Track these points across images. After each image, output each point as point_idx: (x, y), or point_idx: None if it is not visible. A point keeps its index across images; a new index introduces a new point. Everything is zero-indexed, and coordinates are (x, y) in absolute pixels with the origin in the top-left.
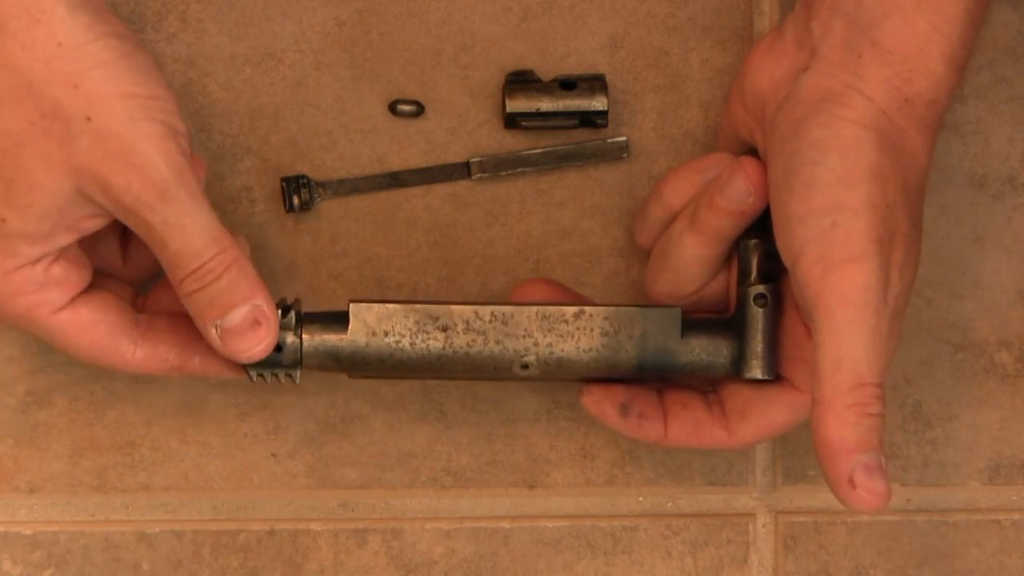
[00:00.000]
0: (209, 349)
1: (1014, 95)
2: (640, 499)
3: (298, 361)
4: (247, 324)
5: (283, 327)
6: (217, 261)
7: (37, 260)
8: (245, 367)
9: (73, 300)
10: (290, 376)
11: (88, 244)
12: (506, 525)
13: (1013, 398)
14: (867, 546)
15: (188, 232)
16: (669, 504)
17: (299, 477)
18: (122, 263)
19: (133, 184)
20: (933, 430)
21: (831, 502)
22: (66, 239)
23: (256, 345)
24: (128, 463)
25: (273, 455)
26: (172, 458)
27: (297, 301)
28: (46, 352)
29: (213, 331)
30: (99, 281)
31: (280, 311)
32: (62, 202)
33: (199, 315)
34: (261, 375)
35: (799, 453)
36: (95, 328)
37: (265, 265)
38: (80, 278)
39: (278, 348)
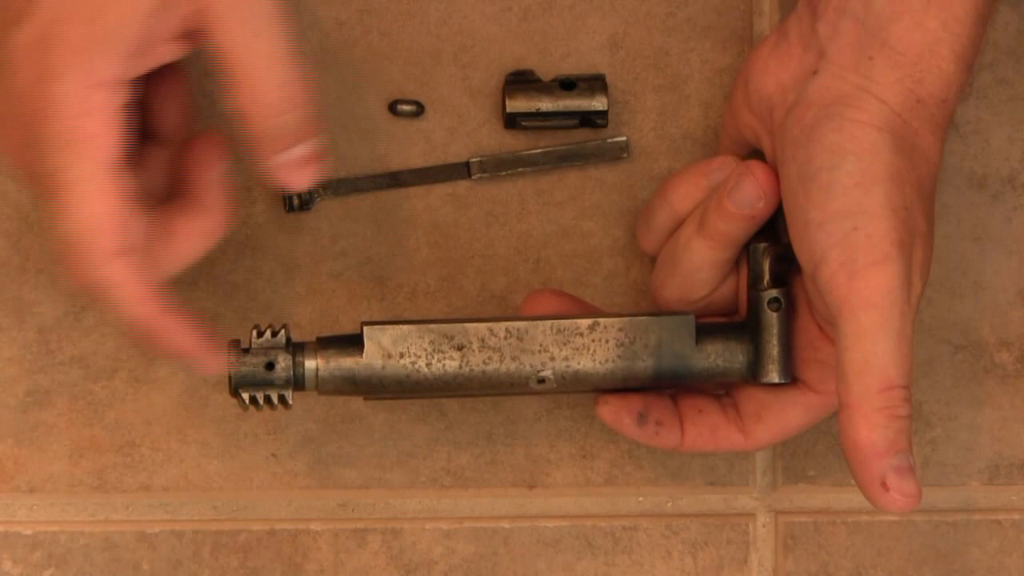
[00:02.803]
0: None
1: (1014, 95)
2: (640, 499)
3: (290, 380)
4: (308, 157)
5: (274, 346)
6: (300, 83)
7: (119, 86)
8: (237, 390)
9: (124, 171)
10: (283, 400)
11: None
12: (506, 525)
13: (1013, 398)
14: (867, 546)
15: (274, 35)
16: (669, 504)
17: (299, 477)
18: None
19: None
20: (933, 430)
21: (831, 502)
22: (144, 63)
23: (310, 178)
24: (128, 463)
25: (273, 455)
26: (172, 458)
27: (286, 325)
28: (46, 352)
29: (273, 159)
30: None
31: (269, 332)
32: (151, 5)
33: (266, 144)
34: (254, 399)
35: (799, 453)
36: (120, 202)
37: (265, 265)
38: (132, 156)
39: (269, 366)
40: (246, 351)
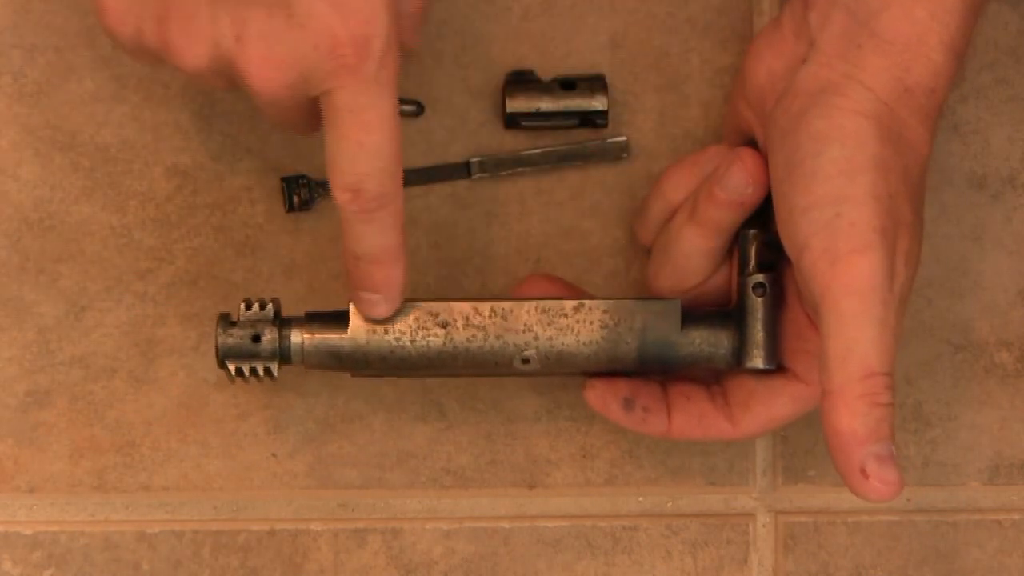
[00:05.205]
0: None
1: (1014, 95)
2: (640, 499)
3: (276, 353)
4: None
5: (261, 319)
6: None
7: None
8: (224, 362)
9: None
10: (268, 370)
11: None
12: (506, 525)
13: (1013, 398)
14: (867, 546)
15: None
16: (669, 504)
17: (299, 477)
18: None
19: None
20: (933, 430)
21: (831, 502)
22: None
23: None
24: (128, 463)
25: (273, 455)
26: (172, 458)
27: (276, 300)
28: (46, 352)
29: None
30: None
31: (258, 305)
32: None
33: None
34: (240, 370)
35: (799, 453)
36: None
37: (265, 265)
38: None
39: (255, 338)
40: (234, 324)
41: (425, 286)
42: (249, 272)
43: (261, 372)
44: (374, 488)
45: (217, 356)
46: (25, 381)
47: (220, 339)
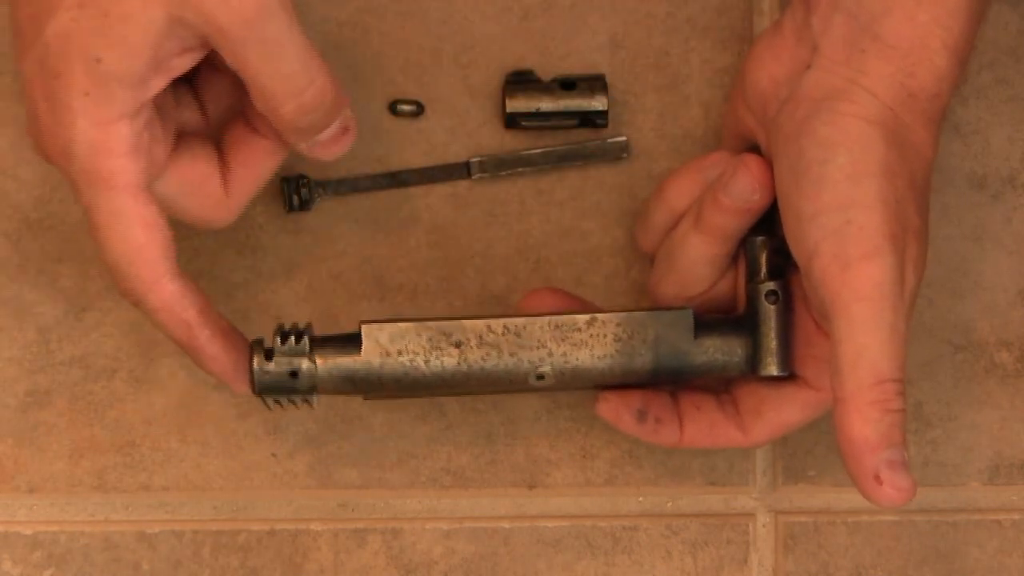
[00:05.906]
0: (216, 338)
1: (1014, 95)
2: (640, 499)
3: (314, 387)
4: (338, 134)
5: (297, 353)
6: (317, 86)
7: (134, 114)
8: (262, 396)
9: (149, 188)
10: (307, 401)
11: (170, 109)
12: (506, 525)
13: (1013, 398)
14: (867, 546)
15: (287, 55)
16: (669, 504)
17: (299, 477)
18: (203, 120)
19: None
20: (933, 430)
21: (831, 502)
22: (158, 82)
23: (343, 149)
24: (128, 463)
25: (273, 455)
26: (172, 458)
27: (309, 325)
28: (46, 352)
29: (303, 145)
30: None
31: (294, 337)
32: (156, 34)
33: (292, 137)
34: (278, 402)
35: (799, 453)
36: (152, 230)
37: (265, 265)
38: (161, 155)
39: (293, 374)
40: (270, 353)
41: (425, 286)
42: (249, 272)
43: (299, 404)
44: (374, 488)
45: (253, 388)
46: (25, 381)
47: (257, 376)
